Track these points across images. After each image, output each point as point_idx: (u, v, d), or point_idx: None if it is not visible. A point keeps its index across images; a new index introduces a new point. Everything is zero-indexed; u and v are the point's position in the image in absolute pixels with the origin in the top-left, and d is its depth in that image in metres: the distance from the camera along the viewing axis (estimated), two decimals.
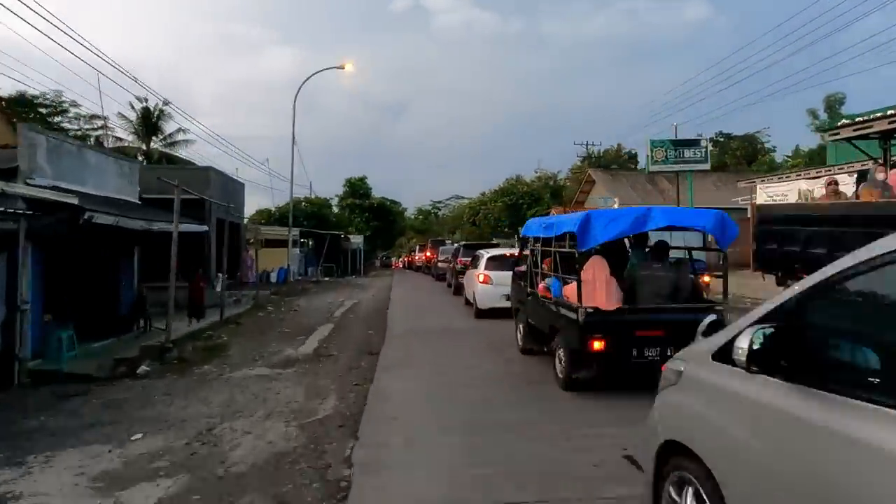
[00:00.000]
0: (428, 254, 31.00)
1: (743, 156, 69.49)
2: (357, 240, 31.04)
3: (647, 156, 24.27)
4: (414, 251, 48.68)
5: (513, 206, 53.34)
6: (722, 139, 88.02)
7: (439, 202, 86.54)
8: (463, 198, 76.43)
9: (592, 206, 38.09)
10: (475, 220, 56.28)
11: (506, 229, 56.14)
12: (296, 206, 30.58)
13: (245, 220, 24.04)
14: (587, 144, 64.42)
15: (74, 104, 35.90)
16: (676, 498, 2.49)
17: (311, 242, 31.07)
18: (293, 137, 23.38)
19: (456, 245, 26.65)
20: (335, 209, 47.06)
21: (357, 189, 46.27)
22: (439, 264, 24.66)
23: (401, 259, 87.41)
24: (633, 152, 68.22)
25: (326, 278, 25.19)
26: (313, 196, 36.92)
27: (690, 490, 2.38)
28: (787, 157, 66.04)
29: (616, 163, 68.85)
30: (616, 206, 23.74)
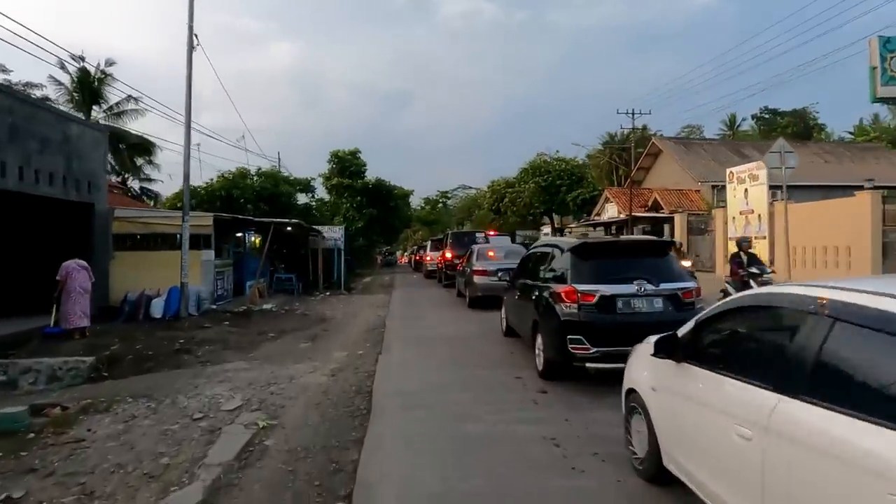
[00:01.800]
0: (448, 254, 19.55)
1: (795, 133, 58.33)
2: (333, 234, 19.46)
3: (877, 70, 12.08)
4: (423, 248, 36.93)
5: (547, 188, 41.61)
6: (768, 115, 76.88)
7: (447, 192, 78.52)
8: (470, 188, 71.53)
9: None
10: (499, 207, 44.38)
11: (540, 216, 44.28)
12: (239, 182, 19.01)
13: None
14: (632, 113, 51.85)
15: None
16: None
17: (264, 241, 19.51)
18: (190, 45, 11.73)
19: (505, 245, 15.41)
20: (313, 194, 35.44)
21: (347, 165, 34.55)
22: (475, 278, 13.10)
23: (406, 254, 77.26)
24: (660, 133, 57.03)
25: (267, 305, 13.81)
26: (281, 171, 25.09)
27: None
28: (849, 132, 56.41)
29: (642, 147, 55.66)
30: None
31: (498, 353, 8.39)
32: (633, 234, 31.64)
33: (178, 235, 12.86)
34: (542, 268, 7.35)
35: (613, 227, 38.46)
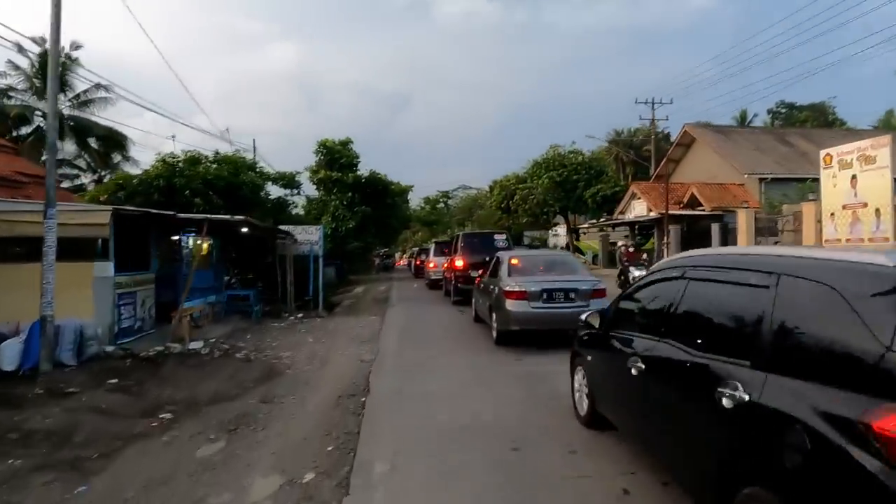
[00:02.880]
0: (459, 262, 14.96)
1: (815, 127, 54.02)
2: (309, 236, 14.79)
3: None
4: (424, 251, 32.39)
5: (562, 184, 37.01)
6: (784, 109, 73.27)
7: (447, 192, 76.13)
8: (471, 188, 69.46)
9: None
10: (509, 205, 39.82)
11: (554, 214, 39.67)
12: (186, 170, 14.55)
13: None
14: (652, 102, 47.22)
15: None
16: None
17: (220, 246, 14.83)
18: None
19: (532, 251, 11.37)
20: (298, 190, 30.95)
21: (336, 157, 29.90)
22: (508, 304, 8.51)
23: (405, 256, 73.90)
24: (667, 132, 53.34)
25: (195, 344, 9.01)
26: (254, 160, 20.32)
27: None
28: (874, 126, 52.48)
29: (596, 161, 51.46)
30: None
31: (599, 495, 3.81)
32: (667, 235, 27.15)
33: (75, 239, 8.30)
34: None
35: (637, 227, 33.95)
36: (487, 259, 14.98)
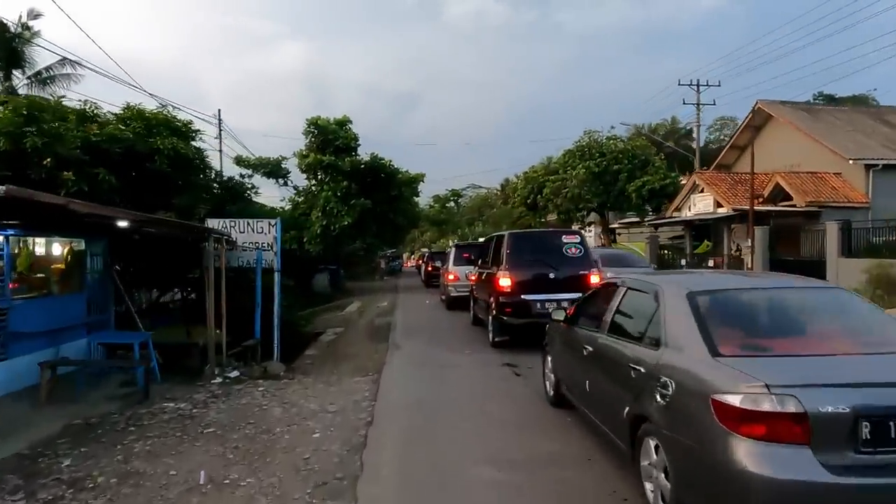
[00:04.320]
0: (506, 280, 8.93)
1: None
2: (258, 236, 8.90)
3: None
4: (436, 255, 26.53)
5: (601, 175, 30.88)
6: (822, 102, 66.88)
7: (458, 190, 70.64)
8: (481, 187, 66.71)
9: None
10: (536, 201, 33.72)
11: (588, 212, 33.45)
12: (52, 126, 8.38)
13: None
14: (697, 84, 41.20)
15: None
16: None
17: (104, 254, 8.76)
18: None
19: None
20: (286, 180, 25.34)
21: (330, 138, 23.91)
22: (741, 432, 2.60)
23: (415, 257, 68.95)
24: (689, 128, 47.63)
25: None
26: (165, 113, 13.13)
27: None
28: None
29: (671, 139, 45.71)
30: None
31: None
32: (751, 236, 21.01)
33: None
34: None
35: (693, 227, 27.63)
36: (554, 276, 8.88)
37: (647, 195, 30.13)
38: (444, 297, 17.09)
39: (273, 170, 24.85)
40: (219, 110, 24.46)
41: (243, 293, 9.26)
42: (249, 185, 12.74)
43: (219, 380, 7.79)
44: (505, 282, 9.29)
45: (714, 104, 40.23)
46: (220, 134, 20.87)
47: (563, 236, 9.58)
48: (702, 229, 27.05)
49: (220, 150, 20.42)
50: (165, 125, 10.43)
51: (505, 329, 9.36)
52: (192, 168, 10.90)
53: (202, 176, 11.71)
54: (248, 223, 8.92)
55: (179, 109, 13.54)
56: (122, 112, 10.58)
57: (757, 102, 26.27)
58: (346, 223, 21.96)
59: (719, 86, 38.30)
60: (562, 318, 5.88)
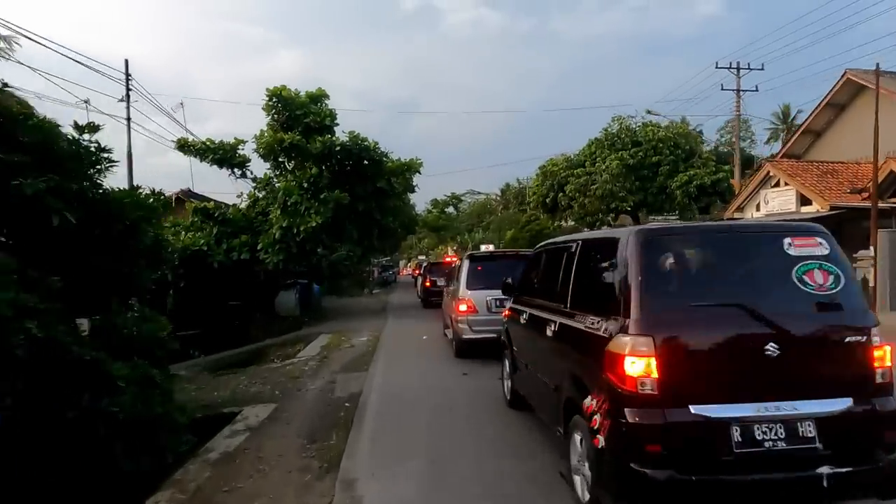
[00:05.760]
0: (630, 364, 3.12)
1: None
2: None
3: None
4: (440, 270, 20.68)
5: (636, 168, 25.06)
6: None
7: (457, 195, 67.93)
8: (479, 193, 64.14)
9: None
10: (557, 200, 27.81)
11: (626, 210, 27.43)
12: None
13: None
14: (737, 67, 35.65)
15: None
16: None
17: None
18: None
19: None
20: (243, 171, 19.55)
21: (298, 115, 17.95)
22: None
23: (410, 265, 64.50)
24: (699, 128, 42.06)
25: None
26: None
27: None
28: None
29: (684, 138, 38.89)
30: None
31: None
32: (873, 243, 15.18)
33: None
34: None
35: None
36: (776, 350, 2.60)
37: (695, 192, 24.27)
38: (449, 335, 11.04)
39: (225, 157, 18.81)
40: (126, 61, 18.04)
41: None
42: (105, 159, 6.52)
43: None
44: (636, 366, 3.26)
45: (756, 90, 34.27)
46: (127, 95, 14.59)
47: (787, 237, 3.57)
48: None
49: (128, 119, 14.25)
50: None
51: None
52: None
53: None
54: None
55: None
56: None
57: (846, 73, 20.35)
58: (313, 224, 15.88)
59: (762, 69, 32.27)
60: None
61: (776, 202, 19.69)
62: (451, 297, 10.85)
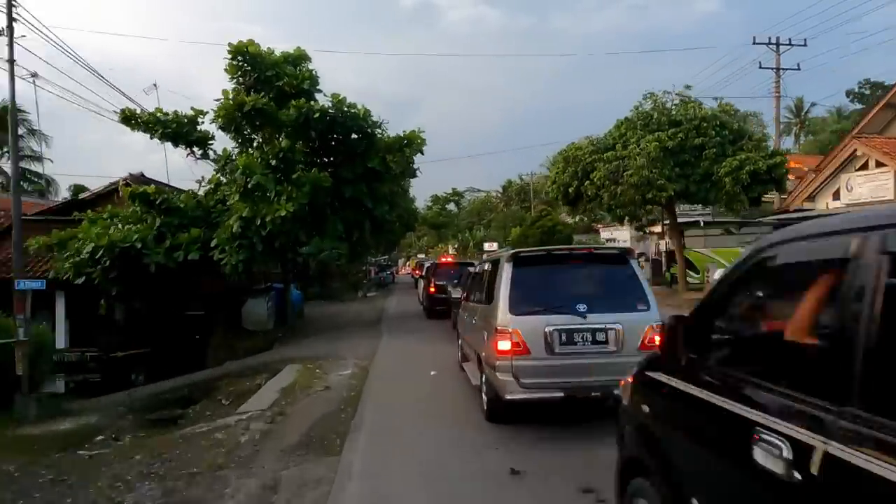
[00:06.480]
0: None
1: None
2: None
3: None
4: (436, 271, 16.74)
5: (676, 152, 21.16)
6: (867, 90, 58.88)
7: (458, 191, 66.29)
8: (480, 190, 63.94)
9: None
10: (580, 190, 23.81)
11: (667, 199, 23.38)
12: None
13: None
14: (777, 43, 31.68)
15: None
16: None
17: None
18: None
19: None
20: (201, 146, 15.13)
21: (271, 75, 13.88)
22: None
23: (409, 263, 61.90)
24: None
25: None
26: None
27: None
28: None
29: (730, 116, 34.16)
30: None
31: None
32: None
33: None
34: None
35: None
36: None
37: (747, 180, 20.32)
38: (473, 377, 7.08)
39: (179, 131, 14.78)
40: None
41: None
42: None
43: None
44: None
45: (798, 69, 30.48)
46: (9, 27, 10.33)
47: None
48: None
49: (11, 61, 10.23)
50: None
51: None
52: None
53: None
54: None
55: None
56: None
57: None
58: (283, 213, 11.84)
59: (805, 45, 28.48)
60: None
61: (865, 188, 15.77)
62: (478, 318, 6.87)
